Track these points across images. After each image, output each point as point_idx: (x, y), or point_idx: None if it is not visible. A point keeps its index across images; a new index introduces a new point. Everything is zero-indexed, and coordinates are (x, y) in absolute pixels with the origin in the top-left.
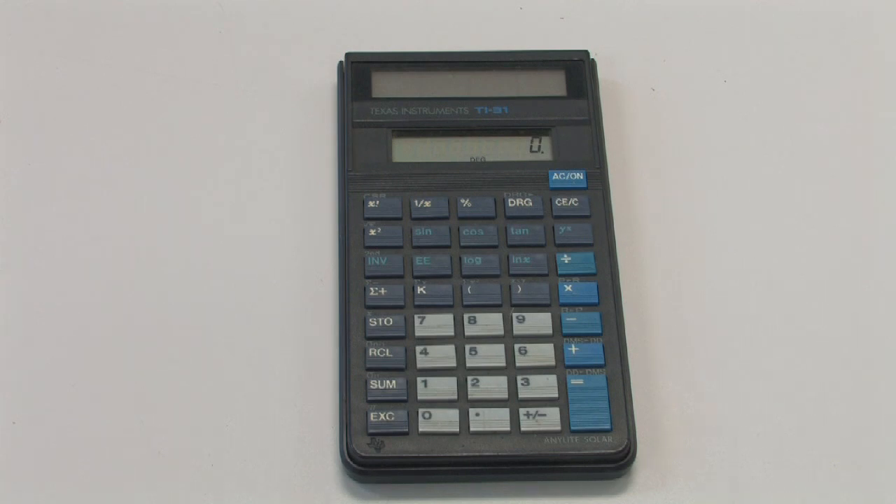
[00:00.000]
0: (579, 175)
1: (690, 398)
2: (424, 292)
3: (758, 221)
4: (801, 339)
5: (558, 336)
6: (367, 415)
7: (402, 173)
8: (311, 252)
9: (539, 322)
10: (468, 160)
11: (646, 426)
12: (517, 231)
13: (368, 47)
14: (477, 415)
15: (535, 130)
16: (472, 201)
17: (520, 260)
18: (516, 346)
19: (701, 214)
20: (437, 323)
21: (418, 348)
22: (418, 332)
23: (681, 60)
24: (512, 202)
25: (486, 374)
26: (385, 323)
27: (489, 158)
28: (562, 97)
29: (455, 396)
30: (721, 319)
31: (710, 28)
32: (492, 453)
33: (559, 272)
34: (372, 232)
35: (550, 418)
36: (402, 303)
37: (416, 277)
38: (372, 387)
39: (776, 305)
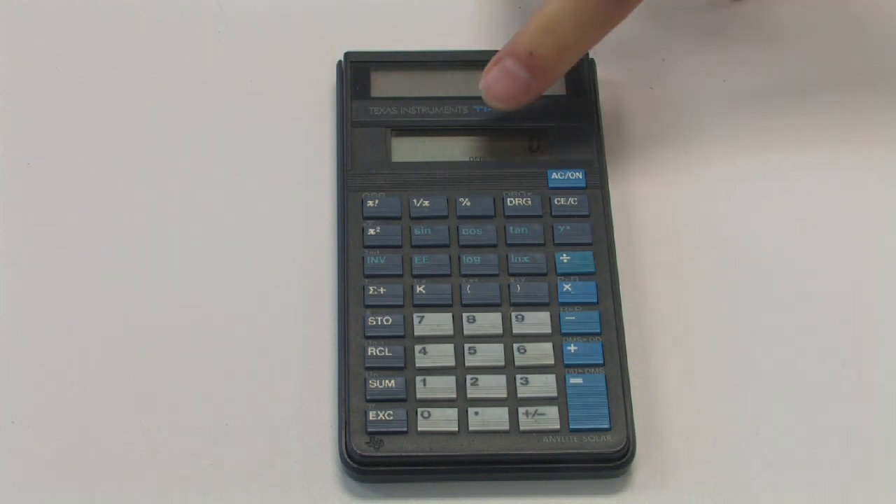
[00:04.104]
0: (578, 174)
1: (690, 397)
2: (423, 291)
3: (757, 221)
4: (802, 338)
5: (557, 335)
6: (366, 414)
7: (401, 172)
8: (311, 251)
9: (538, 321)
10: (467, 159)
11: (645, 425)
12: (516, 230)
13: (368, 47)
14: (476, 414)
15: (534, 130)
16: (472, 200)
17: (519, 259)
18: (515, 346)
19: (700, 214)
20: (436, 322)
21: (417, 347)
22: (417, 332)
23: (680, 60)
24: (511, 201)
25: (485, 373)
26: (384, 322)
27: (488, 158)
28: (561, 96)
29: (454, 395)
30: (721, 319)
31: (709, 28)
32: (491, 452)
33: (558, 271)
34: (371, 231)
35: (549, 417)
36: (401, 302)
37: (415, 276)
38: (371, 386)
39: (776, 305)
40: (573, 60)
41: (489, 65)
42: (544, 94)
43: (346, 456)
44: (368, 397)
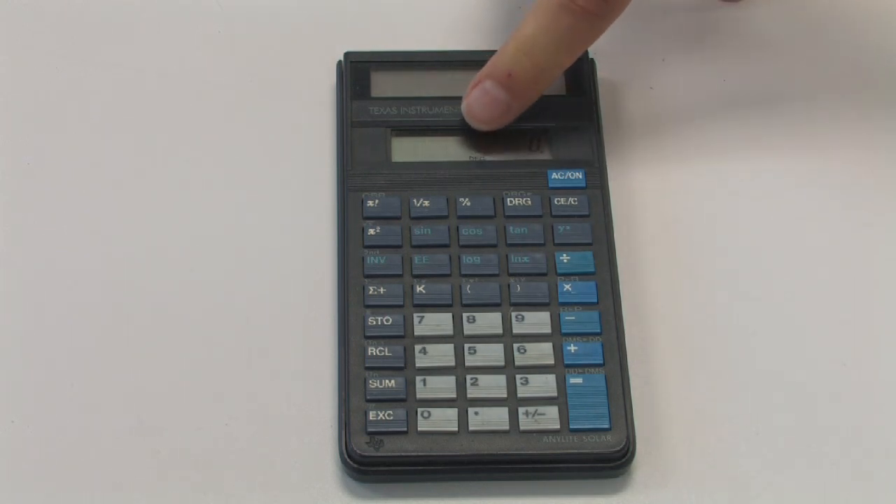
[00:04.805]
0: (578, 174)
1: (690, 397)
2: (423, 291)
3: (757, 220)
4: (802, 338)
5: (557, 335)
6: (366, 414)
7: (401, 172)
8: (311, 251)
9: (538, 321)
10: (467, 159)
11: (645, 425)
12: (516, 230)
13: (367, 47)
14: (476, 414)
15: (534, 129)
16: (471, 200)
17: (519, 259)
18: (515, 346)
19: (700, 213)
20: (436, 322)
21: (417, 347)
22: (417, 332)
23: (679, 59)
24: (511, 201)
25: (485, 373)
26: (384, 322)
27: (488, 158)
28: (561, 96)
29: (454, 395)
30: (720, 318)
31: (710, 28)
32: (491, 452)
33: (558, 271)
34: (371, 231)
35: (549, 417)
36: (401, 302)
37: (415, 276)
38: (371, 386)
39: (776, 304)
40: (551, 80)
41: (469, 86)
42: (544, 94)
43: (346, 456)
44: (368, 397)
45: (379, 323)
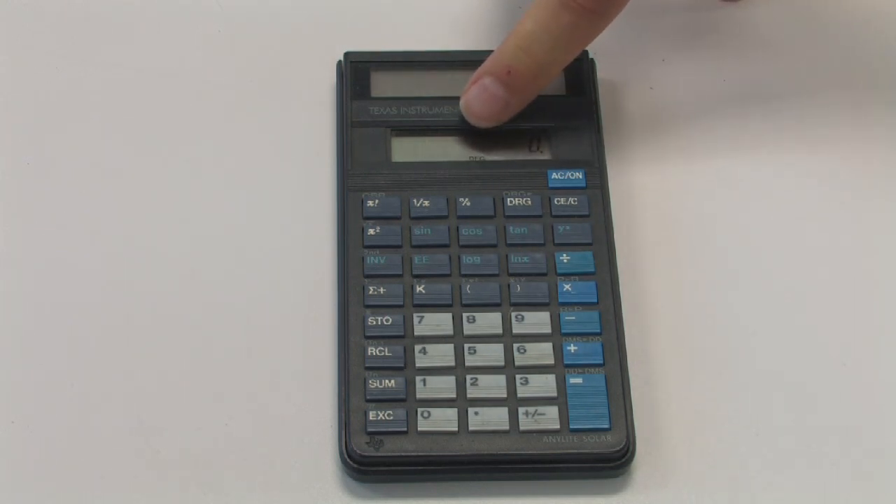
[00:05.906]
0: (578, 174)
1: (690, 397)
2: (423, 291)
3: (757, 220)
4: (802, 338)
5: (557, 335)
6: (366, 414)
7: (401, 172)
8: (311, 251)
9: (538, 321)
10: (467, 159)
11: (645, 425)
12: (516, 230)
13: (367, 47)
14: (476, 414)
15: (534, 130)
16: (471, 200)
17: (519, 259)
18: (515, 346)
19: (700, 213)
20: (436, 322)
21: (417, 347)
22: (417, 332)
23: (680, 60)
24: (511, 201)
25: (485, 373)
26: (384, 322)
27: (488, 158)
28: (561, 96)
29: (454, 395)
30: (720, 319)
31: (710, 28)
32: (491, 452)
33: (558, 271)
34: (371, 231)
35: (549, 417)
36: (400, 302)
37: (415, 276)
38: (371, 386)
39: (776, 304)
40: (551, 77)
41: (469, 83)
42: (544, 94)
43: (346, 456)
44: (368, 397)
45: (379, 323)
